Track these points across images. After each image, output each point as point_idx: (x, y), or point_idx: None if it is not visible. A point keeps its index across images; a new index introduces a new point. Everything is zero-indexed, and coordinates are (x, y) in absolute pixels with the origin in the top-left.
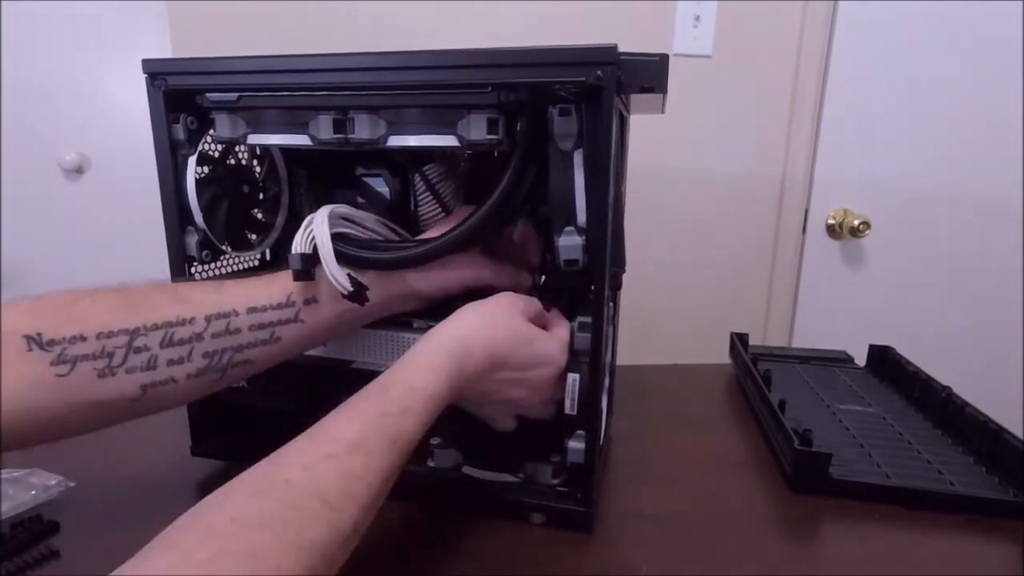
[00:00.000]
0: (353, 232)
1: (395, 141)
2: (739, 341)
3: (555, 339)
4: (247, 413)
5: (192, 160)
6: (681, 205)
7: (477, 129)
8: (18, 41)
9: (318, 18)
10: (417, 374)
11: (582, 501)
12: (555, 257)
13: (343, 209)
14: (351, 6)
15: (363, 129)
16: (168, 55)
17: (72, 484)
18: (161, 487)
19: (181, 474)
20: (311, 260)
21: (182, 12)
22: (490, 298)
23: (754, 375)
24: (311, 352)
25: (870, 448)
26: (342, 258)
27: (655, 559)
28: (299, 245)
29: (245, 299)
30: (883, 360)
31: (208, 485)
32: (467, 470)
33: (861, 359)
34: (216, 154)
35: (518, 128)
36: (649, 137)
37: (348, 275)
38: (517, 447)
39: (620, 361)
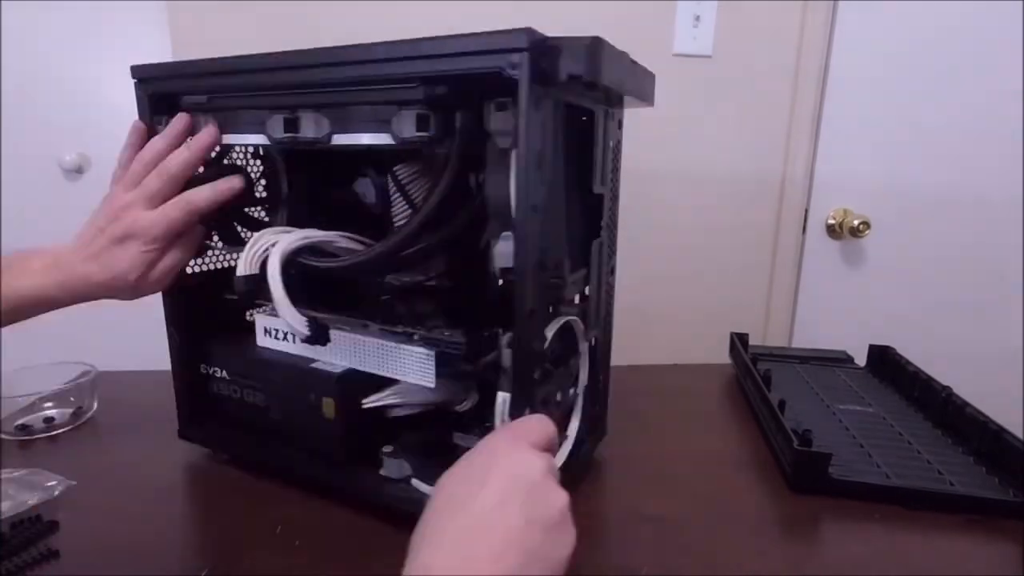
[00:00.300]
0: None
1: (338, 139)
2: (739, 341)
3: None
4: (227, 403)
5: None
6: (681, 205)
7: (408, 126)
8: (18, 41)
9: (318, 18)
10: None
11: None
12: (491, 267)
13: (299, 243)
14: (351, 6)
15: (308, 128)
16: (168, 55)
17: (72, 483)
18: (160, 488)
19: (181, 474)
20: (255, 280)
21: (182, 12)
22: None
23: (754, 375)
24: (283, 349)
25: (870, 448)
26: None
27: (655, 559)
28: (244, 265)
29: None
30: (883, 360)
31: (206, 486)
32: (416, 483)
33: (861, 359)
34: (209, 154)
35: (457, 124)
36: (649, 137)
37: (307, 320)
38: None
39: (620, 361)
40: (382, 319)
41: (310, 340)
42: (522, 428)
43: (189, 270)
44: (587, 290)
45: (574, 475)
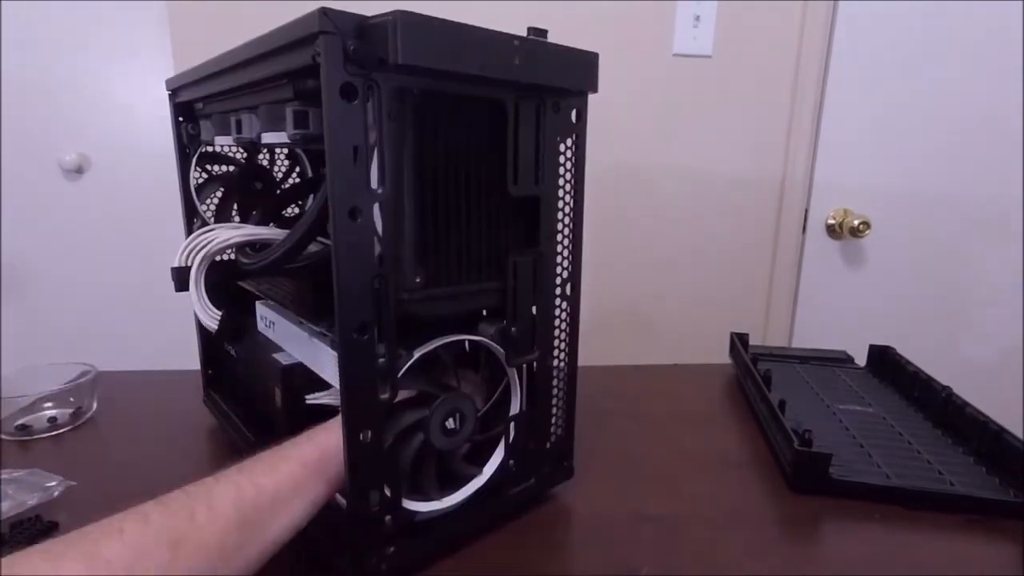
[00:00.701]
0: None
1: (265, 139)
2: (739, 341)
3: None
4: (232, 380)
5: (193, 160)
6: (681, 205)
7: (290, 123)
8: (18, 41)
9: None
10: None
11: (353, 561)
12: None
13: (235, 240)
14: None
15: (247, 128)
16: (168, 55)
17: (72, 483)
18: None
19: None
20: (184, 273)
21: (182, 12)
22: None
23: (754, 375)
24: (271, 337)
25: (870, 448)
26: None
27: (655, 559)
28: (177, 259)
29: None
30: (883, 360)
31: None
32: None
33: (861, 359)
34: (238, 155)
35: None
36: (649, 137)
37: (219, 314)
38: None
39: (620, 361)
40: (312, 314)
41: (218, 335)
42: None
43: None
44: (528, 306)
45: (488, 518)
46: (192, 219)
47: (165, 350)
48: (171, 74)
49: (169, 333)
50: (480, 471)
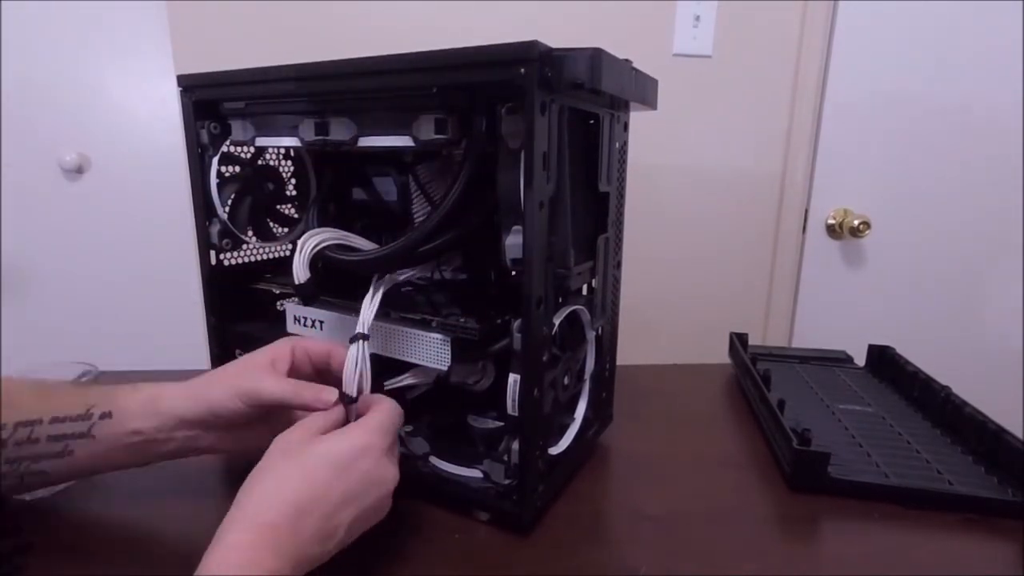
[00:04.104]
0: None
1: (364, 142)
2: (739, 341)
3: (371, 452)
4: None
5: (215, 160)
6: (681, 205)
7: (427, 130)
8: (18, 41)
9: (318, 17)
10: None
11: (517, 502)
12: (503, 259)
13: (329, 241)
14: (352, 6)
15: (338, 131)
16: (168, 55)
17: (70, 483)
18: (160, 488)
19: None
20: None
21: (182, 12)
22: (292, 437)
23: (753, 375)
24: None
25: (869, 448)
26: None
27: (655, 559)
28: (298, 274)
29: (55, 407)
30: (882, 360)
31: (207, 485)
32: (434, 460)
33: (861, 359)
34: (244, 155)
35: (473, 127)
36: (649, 137)
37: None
38: (480, 443)
39: (619, 361)
40: (402, 308)
41: (301, 291)
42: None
43: (227, 262)
44: (594, 282)
45: (579, 457)
46: (209, 219)
47: (166, 350)
48: (171, 74)
49: (170, 333)
50: (573, 419)
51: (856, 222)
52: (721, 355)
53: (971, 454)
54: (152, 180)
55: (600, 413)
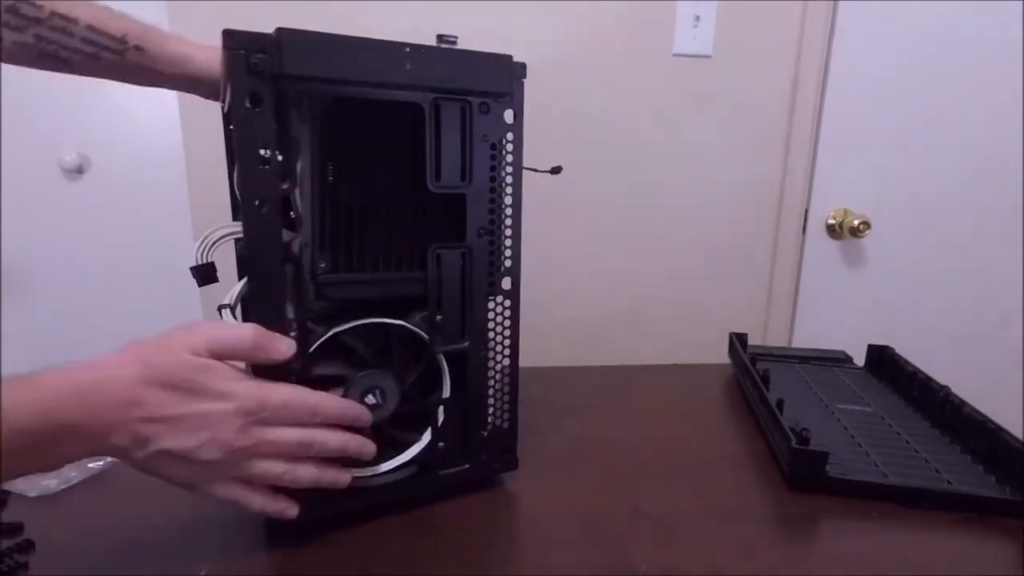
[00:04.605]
0: None
1: None
2: (738, 341)
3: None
4: None
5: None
6: (681, 205)
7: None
8: None
9: (318, 18)
10: None
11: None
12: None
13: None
14: (352, 6)
15: None
16: None
17: (73, 481)
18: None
19: None
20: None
21: (182, 12)
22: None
23: (753, 375)
24: None
25: (868, 447)
26: None
27: (655, 559)
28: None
29: (92, 18)
30: (882, 360)
31: None
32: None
33: (861, 359)
34: None
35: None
36: (649, 137)
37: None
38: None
39: (620, 361)
40: None
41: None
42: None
43: None
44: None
45: (436, 489)
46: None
47: None
48: None
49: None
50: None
51: (856, 222)
52: (721, 355)
53: (970, 453)
54: (152, 180)
55: (476, 453)
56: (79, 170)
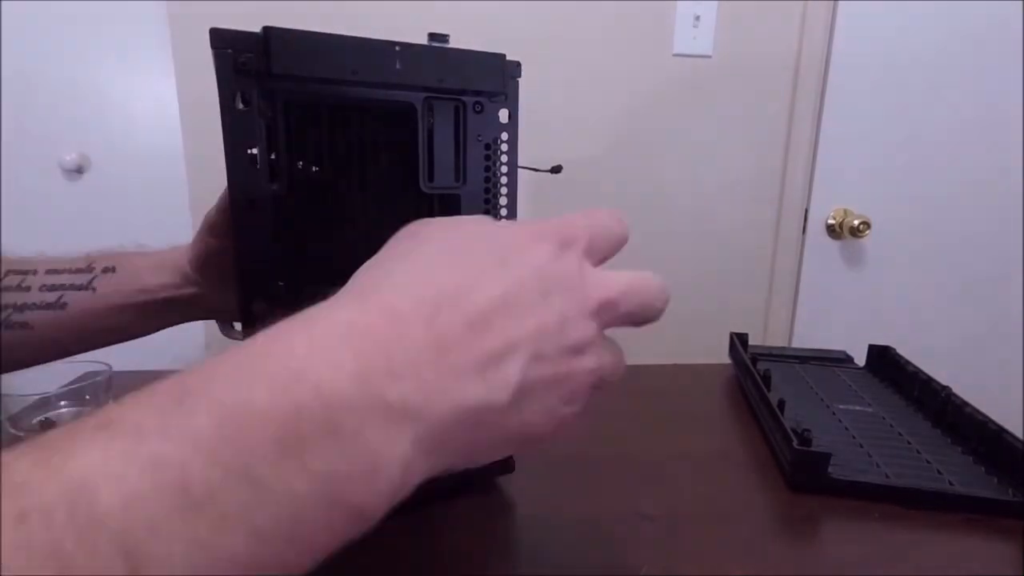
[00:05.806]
0: None
1: None
2: (739, 341)
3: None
4: None
5: None
6: (681, 205)
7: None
8: (18, 41)
9: (318, 18)
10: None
11: None
12: None
13: None
14: (352, 6)
15: None
16: (168, 55)
17: None
18: None
19: None
20: None
21: (182, 12)
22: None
23: (753, 375)
24: None
25: (869, 448)
26: None
27: (655, 559)
28: None
29: (50, 260)
30: (883, 360)
31: None
32: None
33: (861, 359)
34: None
35: None
36: (648, 137)
37: None
38: None
39: None
40: None
41: None
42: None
43: None
44: None
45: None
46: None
47: (166, 350)
48: (172, 74)
49: (170, 332)
50: None
51: (856, 222)
52: (721, 355)
53: (971, 454)
54: (152, 180)
55: None
56: (79, 170)
